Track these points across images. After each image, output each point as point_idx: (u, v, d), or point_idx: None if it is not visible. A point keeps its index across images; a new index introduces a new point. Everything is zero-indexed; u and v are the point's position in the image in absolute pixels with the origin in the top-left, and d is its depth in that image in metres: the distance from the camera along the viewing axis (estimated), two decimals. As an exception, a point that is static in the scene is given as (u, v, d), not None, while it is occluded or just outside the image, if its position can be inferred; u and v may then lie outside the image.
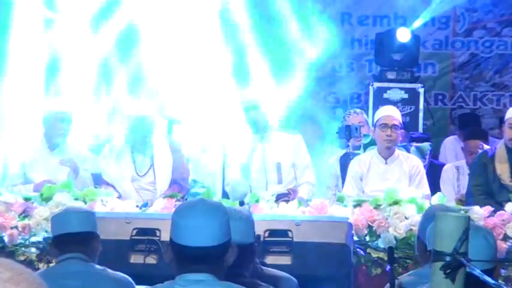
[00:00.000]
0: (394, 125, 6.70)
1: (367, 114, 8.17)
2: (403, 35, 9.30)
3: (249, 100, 6.83)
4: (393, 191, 6.10)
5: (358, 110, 7.99)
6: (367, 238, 5.95)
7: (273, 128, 6.91)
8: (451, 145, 9.07)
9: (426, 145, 7.48)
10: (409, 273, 4.36)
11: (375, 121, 6.84)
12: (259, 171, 6.68)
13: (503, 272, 5.82)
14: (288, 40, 10.78)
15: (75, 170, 6.77)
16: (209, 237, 2.92)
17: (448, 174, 7.88)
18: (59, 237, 4.21)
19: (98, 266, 4.17)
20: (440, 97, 10.78)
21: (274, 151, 6.75)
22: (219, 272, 2.96)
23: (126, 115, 6.92)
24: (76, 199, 6.11)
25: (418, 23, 9.78)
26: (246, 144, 6.73)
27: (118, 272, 4.18)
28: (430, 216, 4.08)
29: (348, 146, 7.42)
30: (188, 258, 2.92)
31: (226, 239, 2.96)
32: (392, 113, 6.82)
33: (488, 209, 6.04)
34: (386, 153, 6.79)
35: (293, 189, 6.65)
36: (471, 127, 8.64)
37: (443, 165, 8.18)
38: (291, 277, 4.16)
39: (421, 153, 7.28)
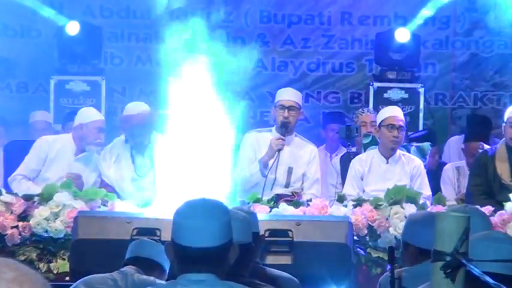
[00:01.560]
0: (401, 126, 6.73)
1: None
2: (402, 36, 9.31)
3: (287, 99, 6.76)
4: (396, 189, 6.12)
5: (370, 109, 8.02)
6: (368, 238, 5.95)
7: (294, 132, 6.88)
8: (456, 145, 9.05)
9: (426, 145, 7.49)
10: (402, 269, 4.35)
11: (379, 121, 6.83)
12: (271, 170, 6.65)
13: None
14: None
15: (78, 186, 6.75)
16: (211, 238, 2.90)
17: (448, 174, 7.88)
18: (130, 259, 4.45)
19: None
20: (440, 97, 10.78)
21: (290, 155, 6.72)
22: (221, 271, 2.95)
23: (125, 116, 6.89)
24: (76, 196, 6.11)
25: (416, 23, 9.77)
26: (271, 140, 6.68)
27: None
28: (418, 219, 4.15)
29: (349, 145, 7.43)
30: (190, 258, 2.91)
31: (227, 238, 2.95)
32: (398, 114, 6.85)
33: (489, 209, 6.05)
34: (388, 153, 6.80)
35: (297, 192, 6.63)
36: (473, 128, 8.63)
37: None
38: (293, 277, 4.17)
39: (421, 153, 7.29)
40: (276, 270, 4.20)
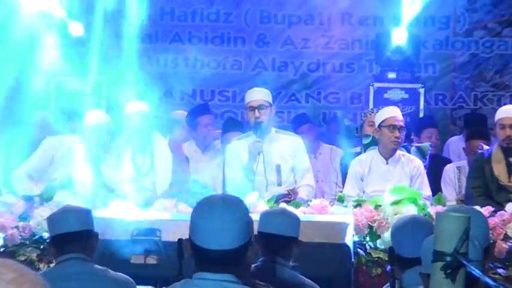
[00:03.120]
0: (402, 126, 6.73)
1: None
2: (402, 36, 9.32)
3: (255, 100, 6.75)
4: (397, 188, 6.11)
5: (375, 110, 8.02)
6: (368, 238, 5.95)
7: (273, 129, 6.85)
8: (455, 145, 9.06)
9: (426, 145, 7.49)
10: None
11: (379, 121, 6.81)
12: (259, 173, 6.65)
13: (503, 272, 5.82)
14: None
15: None
16: (229, 240, 2.83)
17: (449, 174, 7.88)
18: (57, 237, 4.21)
19: (98, 267, 4.17)
20: (440, 97, 10.79)
21: (275, 153, 6.69)
22: (240, 271, 2.89)
23: (125, 113, 6.88)
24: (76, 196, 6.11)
25: (416, 23, 9.77)
26: (249, 145, 6.66)
27: (119, 273, 4.18)
28: (399, 227, 4.06)
29: (349, 146, 7.43)
30: (208, 259, 2.86)
31: (246, 239, 2.87)
32: (398, 114, 6.84)
33: (489, 209, 6.05)
34: (388, 154, 6.79)
35: (293, 190, 6.63)
36: (473, 127, 8.65)
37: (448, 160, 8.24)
38: (314, 284, 4.18)
39: (421, 153, 7.28)
40: (301, 277, 4.21)
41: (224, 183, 7.00)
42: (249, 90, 7.00)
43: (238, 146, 6.77)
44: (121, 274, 4.18)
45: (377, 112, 7.79)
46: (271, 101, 6.81)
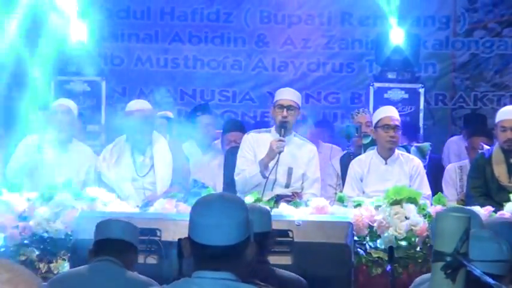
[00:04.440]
0: (397, 126, 6.71)
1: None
2: (402, 36, 9.32)
3: (286, 99, 6.72)
4: (396, 189, 6.11)
5: (366, 110, 8.01)
6: (368, 238, 5.95)
7: (293, 132, 6.82)
8: (455, 145, 9.05)
9: (426, 145, 7.49)
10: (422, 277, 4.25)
11: (375, 121, 6.82)
12: (270, 172, 6.61)
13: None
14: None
15: None
16: (228, 236, 2.83)
17: (450, 174, 7.87)
18: (99, 242, 4.33)
19: (129, 271, 4.28)
20: (440, 97, 10.79)
21: (290, 156, 6.66)
22: (239, 269, 2.88)
23: (126, 112, 6.89)
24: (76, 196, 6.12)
25: (416, 23, 9.77)
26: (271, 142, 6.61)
27: (149, 278, 4.27)
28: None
29: (349, 146, 7.43)
30: (207, 256, 2.85)
31: (245, 236, 2.87)
32: (393, 114, 6.82)
33: (489, 209, 6.05)
34: (387, 154, 6.79)
35: (298, 193, 6.60)
36: (472, 125, 8.64)
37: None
38: (301, 278, 4.20)
39: (421, 153, 7.29)
40: (284, 271, 4.22)
41: (224, 182, 7.00)
42: (281, 88, 7.01)
43: (256, 139, 6.75)
44: (149, 278, 4.26)
45: (363, 112, 7.81)
46: (300, 103, 6.80)
